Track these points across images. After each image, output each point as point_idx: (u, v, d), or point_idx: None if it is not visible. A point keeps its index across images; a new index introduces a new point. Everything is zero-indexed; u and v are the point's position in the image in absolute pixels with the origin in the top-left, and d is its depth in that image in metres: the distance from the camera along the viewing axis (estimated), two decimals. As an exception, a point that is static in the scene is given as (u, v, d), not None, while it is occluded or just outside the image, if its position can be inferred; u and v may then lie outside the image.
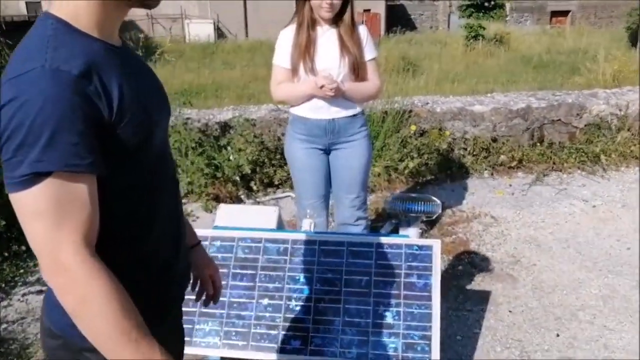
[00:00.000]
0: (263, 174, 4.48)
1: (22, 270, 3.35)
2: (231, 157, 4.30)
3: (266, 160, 4.48)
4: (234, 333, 2.21)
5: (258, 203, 4.35)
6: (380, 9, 27.58)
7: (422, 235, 3.53)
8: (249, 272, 2.29)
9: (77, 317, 0.93)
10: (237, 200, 4.35)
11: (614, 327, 2.84)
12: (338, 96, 2.61)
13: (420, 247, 2.25)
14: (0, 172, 1.00)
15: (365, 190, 2.95)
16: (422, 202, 2.20)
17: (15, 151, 0.90)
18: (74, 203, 0.91)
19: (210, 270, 1.52)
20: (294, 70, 2.69)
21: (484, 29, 18.51)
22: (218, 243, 2.36)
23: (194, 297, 1.53)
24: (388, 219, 2.60)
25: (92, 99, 0.93)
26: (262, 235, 2.35)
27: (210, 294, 1.52)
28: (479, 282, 3.26)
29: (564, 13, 31.45)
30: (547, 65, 14.77)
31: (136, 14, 19.90)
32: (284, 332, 2.17)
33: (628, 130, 4.99)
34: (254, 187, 4.43)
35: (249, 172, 4.34)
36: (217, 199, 4.34)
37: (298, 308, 2.21)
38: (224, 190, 4.34)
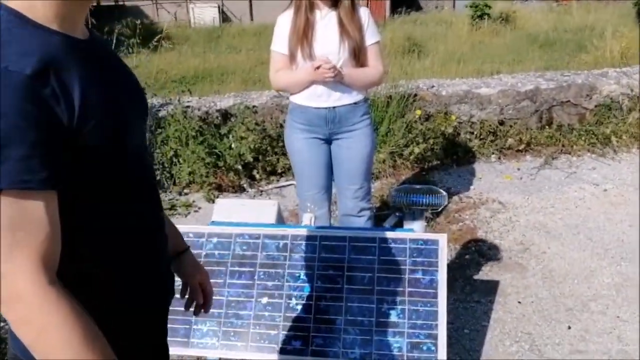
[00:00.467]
0: (266, 162, 4.39)
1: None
2: (233, 146, 4.21)
3: (269, 148, 4.38)
4: (232, 333, 2.13)
5: (261, 192, 4.26)
6: (385, -12, 27.15)
7: (428, 226, 3.44)
8: (248, 269, 2.21)
9: (35, 350, 0.84)
10: (240, 189, 4.27)
11: (627, 317, 2.75)
12: (337, 79, 2.50)
13: (426, 242, 2.16)
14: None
15: (369, 180, 2.86)
16: (427, 194, 2.10)
17: None
18: (29, 224, 0.81)
19: (200, 277, 1.43)
20: (292, 57, 2.59)
21: (490, 7, 18.22)
22: (215, 240, 2.27)
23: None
24: (392, 212, 2.51)
25: (48, 102, 0.82)
26: (260, 231, 2.26)
27: (200, 303, 1.43)
28: (487, 272, 3.17)
29: (572, -11, 30.92)
30: (553, 43, 14.51)
31: (141, -2, 19.80)
32: (284, 332, 2.10)
33: (640, 110, 4.85)
34: (257, 176, 4.34)
35: (251, 160, 4.25)
36: (220, 189, 4.26)
37: (298, 307, 2.13)
38: (226, 179, 4.25)
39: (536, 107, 4.73)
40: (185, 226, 2.31)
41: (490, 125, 4.65)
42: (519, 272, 3.15)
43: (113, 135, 0.93)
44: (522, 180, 4.32)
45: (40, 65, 0.82)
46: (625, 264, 3.19)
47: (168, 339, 2.22)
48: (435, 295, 2.08)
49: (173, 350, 2.17)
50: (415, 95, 4.58)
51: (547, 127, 4.75)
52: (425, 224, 2.21)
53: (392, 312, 2.08)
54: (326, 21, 2.57)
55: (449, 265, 3.22)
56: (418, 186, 2.17)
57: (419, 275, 2.12)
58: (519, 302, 2.90)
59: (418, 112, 4.44)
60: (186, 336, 2.15)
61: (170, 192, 4.22)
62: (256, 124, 4.31)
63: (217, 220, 2.37)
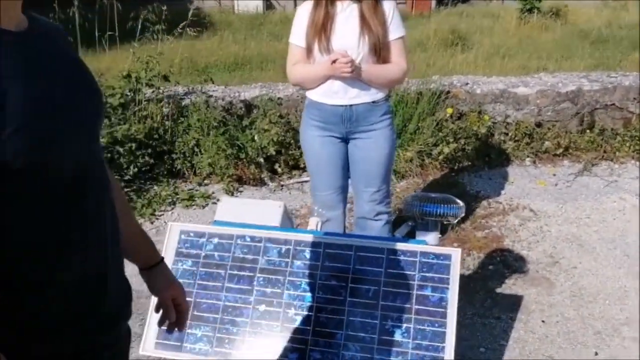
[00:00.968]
0: (288, 155, 4.27)
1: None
2: (255, 138, 4.10)
3: (292, 141, 4.25)
4: (227, 340, 2.02)
5: (282, 186, 4.15)
6: (432, -20, 26.57)
7: (453, 231, 3.26)
8: (247, 274, 2.09)
9: None
10: (261, 182, 4.16)
11: (661, 346, 2.53)
12: (355, 75, 2.35)
13: (437, 256, 2.00)
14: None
15: (388, 183, 2.70)
16: (442, 204, 1.94)
17: None
18: None
19: (173, 292, 1.31)
20: (309, 50, 2.45)
21: (540, 1, 17.59)
22: (216, 240, 2.16)
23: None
24: (404, 221, 2.37)
25: None
26: (262, 234, 2.14)
27: (173, 321, 1.32)
28: (511, 285, 2.98)
29: (629, -16, 29.64)
30: (606, 40, 13.89)
31: (187, -16, 19.93)
32: (280, 343, 1.97)
33: (692, 117, 4.52)
34: (279, 170, 4.23)
35: (274, 153, 4.14)
36: (240, 181, 4.17)
37: (297, 317, 2.01)
38: (247, 172, 4.15)
39: (577, 109, 4.45)
40: (187, 225, 2.21)
41: (526, 127, 4.41)
42: (546, 288, 2.95)
43: (39, 146, 0.80)
44: (557, 187, 4.08)
45: None
46: (664, 285, 2.95)
47: (161, 341, 2.13)
48: (444, 315, 1.93)
49: (166, 354, 2.09)
50: (448, 92, 4.37)
51: (588, 131, 4.47)
52: (440, 235, 2.05)
53: (397, 330, 1.93)
54: (347, 14, 2.42)
55: (470, 276, 3.05)
56: (433, 195, 2.00)
57: (427, 292, 1.96)
58: (543, 321, 2.70)
59: (449, 110, 4.23)
60: (180, 340, 2.05)
61: (190, 182, 4.15)
62: (280, 116, 4.19)
63: (219, 220, 2.26)
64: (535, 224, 3.58)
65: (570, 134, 4.45)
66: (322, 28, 2.39)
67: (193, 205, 3.83)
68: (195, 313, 2.08)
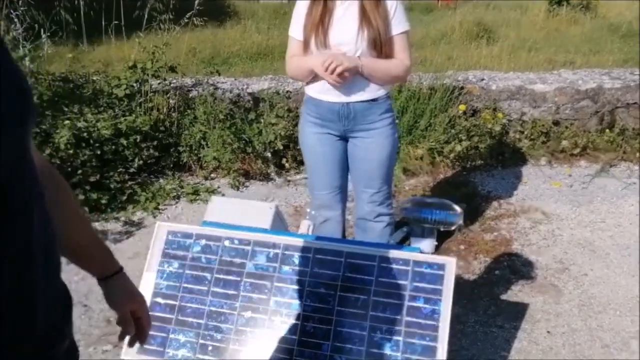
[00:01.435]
0: (296, 150, 4.18)
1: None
2: (263, 132, 4.02)
3: (300, 136, 4.17)
4: (210, 347, 1.96)
5: (289, 182, 4.07)
6: (458, -30, 26.08)
7: (460, 233, 3.14)
8: (233, 278, 2.02)
9: None
10: (267, 177, 4.09)
11: (672, 363, 2.39)
12: (345, 82, 2.25)
13: (431, 265, 1.90)
14: None
15: (389, 183, 2.60)
16: (439, 211, 1.83)
17: None
18: None
19: (133, 304, 1.24)
20: (306, 44, 2.35)
21: (569, -7, 17.12)
22: (203, 242, 2.09)
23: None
24: (400, 226, 2.26)
25: None
26: (251, 236, 2.06)
27: (132, 334, 1.25)
28: (517, 292, 2.86)
29: (664, -25, 28.74)
30: (637, 34, 13.48)
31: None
32: (265, 353, 1.90)
33: None
34: (286, 165, 4.15)
35: (281, 148, 4.06)
36: (247, 176, 4.10)
37: (283, 326, 1.93)
38: (254, 166, 4.08)
39: (597, 107, 4.28)
40: (174, 225, 2.15)
41: (543, 125, 4.26)
42: (553, 296, 2.82)
43: None
44: (573, 188, 3.93)
45: None
46: (680, 297, 2.80)
47: (144, 345, 2.07)
48: (435, 329, 1.83)
49: None
50: (462, 88, 4.24)
51: (607, 130, 4.30)
52: (435, 243, 1.95)
53: (386, 343, 1.84)
54: (346, 7, 2.31)
55: (474, 281, 2.94)
56: (430, 199, 1.90)
57: (419, 304, 1.87)
58: (548, 332, 2.59)
59: (461, 107, 4.10)
60: (162, 345, 2.00)
61: (197, 176, 4.09)
62: (288, 110, 4.11)
63: (208, 221, 2.19)
64: (546, 227, 3.45)
65: (589, 133, 4.29)
66: (319, 21, 2.29)
67: (197, 200, 3.78)
68: (180, 317, 2.02)
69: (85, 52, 4.50)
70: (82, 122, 3.61)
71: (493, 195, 3.84)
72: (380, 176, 2.51)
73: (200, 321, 2.00)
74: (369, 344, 1.85)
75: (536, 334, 2.58)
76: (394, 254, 1.94)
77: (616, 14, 18.03)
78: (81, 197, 3.48)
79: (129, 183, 3.73)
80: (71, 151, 3.52)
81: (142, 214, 3.60)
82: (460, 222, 1.84)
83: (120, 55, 4.55)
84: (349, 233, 3.02)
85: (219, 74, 4.30)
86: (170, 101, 4.06)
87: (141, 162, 3.83)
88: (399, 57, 2.36)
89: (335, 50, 2.28)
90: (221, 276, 2.04)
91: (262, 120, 4.05)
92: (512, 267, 3.06)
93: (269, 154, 4.05)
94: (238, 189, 3.94)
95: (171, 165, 4.04)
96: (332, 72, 2.22)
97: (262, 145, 4.00)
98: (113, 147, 3.71)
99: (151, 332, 2.03)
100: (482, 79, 4.37)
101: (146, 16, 3.99)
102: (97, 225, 3.44)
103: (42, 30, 3.81)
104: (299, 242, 2.03)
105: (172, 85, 4.15)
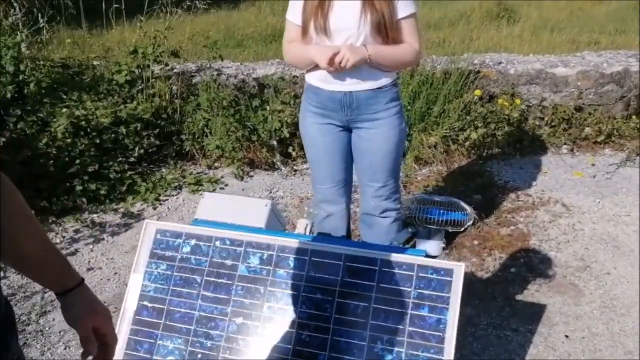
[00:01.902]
0: (304, 138, 4.01)
1: (28, 237, 3.13)
2: (268, 119, 3.86)
3: (308, 123, 3.99)
4: (199, 355, 1.82)
5: (295, 171, 3.92)
6: (479, -53, 25.45)
7: (474, 227, 2.96)
8: (224, 281, 1.88)
9: None
10: (273, 167, 3.94)
11: (702, 373, 2.21)
12: (347, 69, 2.08)
13: (437, 271, 1.73)
14: None
15: (396, 177, 2.43)
16: (447, 210, 1.66)
17: None
18: None
19: (95, 321, 1.10)
20: (304, 29, 2.18)
21: (594, -30, 16.56)
22: (193, 242, 1.95)
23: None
24: (404, 227, 2.10)
25: None
26: (244, 237, 1.91)
27: (94, 354, 1.11)
28: (533, 292, 2.68)
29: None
30: (665, 12, 12.98)
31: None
32: (256, 363, 1.76)
33: None
34: (293, 153, 3.99)
35: (288, 136, 3.90)
36: (252, 165, 3.95)
37: (277, 334, 1.79)
38: (259, 155, 3.93)
39: (623, 92, 4.04)
40: (163, 223, 2.00)
41: (564, 111, 4.03)
42: (573, 297, 2.64)
43: None
44: (596, 178, 3.71)
45: None
46: None
47: (130, 351, 1.95)
48: (441, 340, 1.67)
49: (135, 366, 1.91)
50: (478, 72, 4.02)
51: (634, 116, 4.06)
52: (443, 245, 1.78)
53: (387, 355, 1.69)
54: (348, -12, 2.12)
55: (488, 280, 2.77)
56: (437, 198, 1.73)
57: (424, 312, 1.71)
58: (567, 336, 2.41)
59: (477, 92, 3.89)
60: (149, 352, 1.87)
61: (200, 165, 3.95)
62: (295, 96, 3.93)
63: (200, 219, 2.05)
64: (567, 220, 3.25)
65: (614, 119, 4.05)
66: (318, 5, 2.11)
67: (200, 190, 3.64)
68: (168, 323, 1.89)
69: (84, 37, 4.37)
70: (81, 110, 3.48)
71: (510, 186, 3.64)
72: (385, 169, 2.34)
73: (189, 327, 1.87)
74: (369, 355, 1.70)
75: (553, 339, 2.40)
76: (396, 257, 1.78)
77: (643, -8, 17.37)
78: (79, 187, 3.37)
79: (129, 173, 3.60)
80: (69, 140, 3.40)
81: (142, 205, 3.47)
82: (470, 222, 1.68)
83: (121, 40, 4.41)
84: (355, 228, 2.86)
85: (222, 59, 4.14)
86: (173, 87, 3.91)
87: (142, 151, 3.70)
88: (407, 42, 2.18)
89: (336, 36, 2.10)
90: (212, 279, 1.90)
91: (267, 107, 3.89)
92: (529, 264, 2.88)
93: (274, 142, 3.89)
94: (242, 179, 3.79)
95: (173, 154, 3.90)
96: (336, 65, 2.06)
97: (268, 133, 3.85)
98: (113, 135, 3.58)
99: (138, 338, 1.93)
100: (500, 63, 4.15)
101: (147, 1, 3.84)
102: (95, 217, 3.33)
103: (39, 15, 3.67)
104: (295, 243, 1.87)
105: (174, 70, 4.00)
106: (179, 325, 1.88)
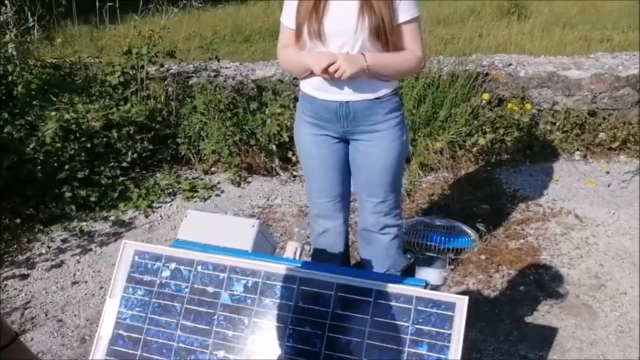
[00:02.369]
0: (304, 142, 3.85)
1: (13, 247, 3.00)
2: (267, 123, 3.70)
3: (308, 126, 3.83)
4: (177, 392, 1.67)
5: (294, 177, 3.76)
6: (490, -59, 25.09)
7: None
8: (206, 310, 1.72)
9: None
10: (272, 172, 3.78)
11: None
12: (348, 80, 1.92)
13: (437, 304, 1.57)
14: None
15: (397, 192, 2.26)
16: (449, 236, 1.50)
17: None
18: None
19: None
20: (298, 33, 2.01)
21: (608, -36, 16.24)
22: (173, 265, 1.80)
23: None
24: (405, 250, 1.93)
25: None
26: (227, 261, 1.76)
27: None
28: (544, 314, 2.52)
29: None
30: (681, 9, 12.67)
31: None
32: (238, 402, 1.61)
33: None
34: (292, 158, 3.83)
35: (287, 140, 3.74)
36: (250, 170, 3.80)
37: (261, 370, 1.63)
38: (257, 160, 3.77)
39: (640, 96, 3.84)
40: (142, 245, 1.85)
41: (577, 116, 3.84)
42: (587, 319, 2.47)
43: None
44: (610, 187, 3.53)
45: None
46: None
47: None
48: (441, 383, 1.51)
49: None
50: (487, 74, 3.84)
51: (651, 122, 3.87)
52: (446, 273, 1.62)
53: (380, 398, 1.53)
54: (345, -10, 1.96)
55: (495, 299, 2.60)
56: (439, 222, 1.57)
57: (422, 351, 1.55)
58: (579, 364, 2.25)
59: (485, 96, 3.70)
60: (125, 386, 1.72)
61: (196, 170, 3.80)
62: (295, 98, 3.76)
63: (182, 239, 1.90)
64: (580, 233, 3.07)
65: (630, 125, 3.86)
66: (313, 8, 1.94)
67: (194, 197, 3.49)
68: (144, 354, 1.74)
69: (76, 37, 4.22)
70: (72, 113, 3.34)
71: (520, 194, 3.46)
72: (385, 184, 2.18)
73: (167, 359, 1.72)
74: (361, 398, 1.54)
75: (565, 367, 2.24)
76: (393, 288, 1.61)
77: (658, -13, 17.01)
78: (68, 194, 3.23)
79: (121, 179, 3.46)
80: (58, 144, 3.26)
81: (134, 212, 3.33)
82: (475, 248, 1.53)
83: (115, 40, 4.26)
84: (355, 241, 2.71)
85: (218, 60, 3.97)
86: (169, 89, 3.76)
87: (135, 155, 3.55)
88: (409, 48, 2.01)
89: (331, 41, 1.94)
90: (192, 307, 1.74)
91: (266, 110, 3.73)
92: (540, 282, 2.71)
93: (273, 147, 3.73)
94: (239, 185, 3.64)
95: (168, 159, 3.75)
96: (332, 76, 1.90)
97: (266, 137, 3.69)
98: (104, 139, 3.43)
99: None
100: (510, 64, 3.96)
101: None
102: (83, 226, 3.19)
103: (29, 14, 3.53)
104: (283, 269, 1.71)
105: (170, 71, 3.85)
106: (156, 357, 1.73)
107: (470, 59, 3.93)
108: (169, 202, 3.46)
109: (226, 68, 4.08)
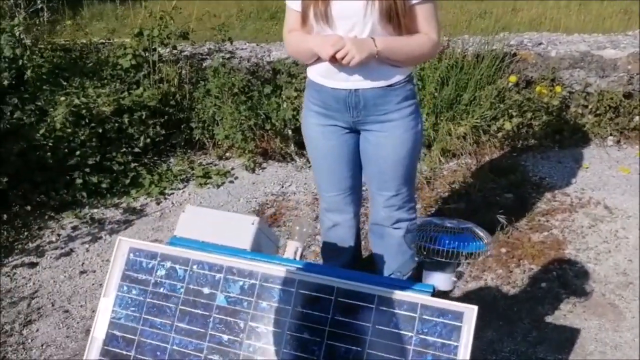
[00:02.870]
0: (322, 126, 3.73)
1: (24, 235, 2.98)
2: (283, 106, 3.59)
3: (325, 110, 3.70)
4: (170, 397, 1.60)
5: (310, 163, 3.63)
6: None
7: (492, 242, 2.65)
8: (201, 312, 1.64)
9: None
10: (287, 158, 3.67)
11: None
12: (356, 66, 1.79)
13: (443, 313, 1.45)
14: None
15: (411, 185, 2.14)
16: (459, 238, 1.37)
17: None
18: None
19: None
20: (304, 15, 1.88)
21: None
22: (168, 264, 1.72)
23: None
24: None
25: None
26: (224, 261, 1.67)
27: None
28: (566, 313, 2.37)
29: None
30: None
31: None
32: (231, 411, 1.53)
33: None
34: (309, 143, 3.70)
35: (303, 124, 3.61)
36: (265, 155, 3.70)
37: (256, 378, 1.55)
38: (273, 145, 3.67)
39: (680, 77, 3.60)
40: (137, 242, 1.77)
41: (611, 98, 3.61)
42: (612, 320, 2.32)
43: None
44: (644, 176, 3.33)
45: None
46: None
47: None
48: (446, 399, 1.40)
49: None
50: (514, 54, 3.64)
51: (691, 105, 3.63)
52: (455, 279, 1.50)
53: (380, 412, 1.43)
54: (353, -32, 1.81)
55: (514, 296, 2.47)
56: (449, 223, 1.44)
57: (427, 363, 1.44)
58: (603, 370, 2.11)
59: (512, 78, 3.51)
60: (117, 388, 1.66)
61: (210, 155, 3.72)
62: (312, 81, 3.63)
63: (179, 236, 1.81)
64: (609, 226, 2.90)
65: (668, 108, 3.62)
66: (319, -12, 1.81)
67: (207, 183, 3.41)
68: (138, 356, 1.67)
69: (86, 19, 4.14)
70: (82, 97, 3.28)
71: (546, 183, 3.29)
72: (398, 177, 2.06)
73: (160, 363, 1.65)
74: (360, 411, 1.44)
75: (588, 372, 2.10)
76: (397, 294, 1.50)
77: None
78: (79, 180, 3.18)
79: (133, 165, 3.39)
80: (69, 130, 3.21)
81: (146, 199, 3.27)
82: (488, 252, 1.41)
83: (126, 22, 4.17)
84: (366, 234, 2.59)
85: (231, 42, 3.85)
86: (182, 72, 3.66)
87: (148, 140, 3.48)
88: (423, 32, 1.86)
89: (339, 24, 1.80)
90: (187, 308, 1.66)
91: (281, 94, 3.61)
92: (563, 278, 2.56)
93: (289, 132, 3.62)
94: (253, 171, 3.55)
95: (182, 144, 3.68)
96: (340, 62, 1.77)
97: (282, 122, 3.57)
98: (116, 124, 3.37)
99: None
100: (540, 44, 3.75)
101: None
102: (94, 213, 3.14)
103: (38, -5, 3.47)
104: (281, 271, 1.62)
105: (183, 53, 3.75)
106: (150, 359, 1.66)
107: (497, 38, 3.73)
108: (182, 188, 3.39)
109: (242, 49, 3.96)
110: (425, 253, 1.51)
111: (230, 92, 3.54)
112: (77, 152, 3.19)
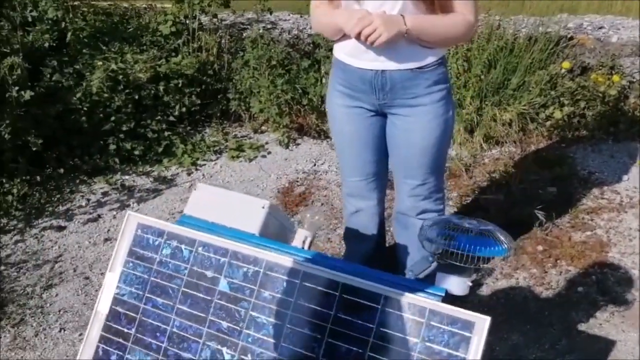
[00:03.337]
0: (360, 104, 3.60)
1: (55, 197, 3.01)
2: (320, 82, 3.48)
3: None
4: (167, 380, 1.57)
5: (347, 141, 3.52)
6: None
7: (523, 239, 2.48)
8: (203, 296, 1.59)
9: None
10: (323, 134, 3.57)
11: None
12: (383, 45, 1.66)
13: (453, 322, 1.34)
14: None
15: (439, 175, 2.02)
16: (479, 241, 1.25)
17: None
18: None
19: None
20: (334, -10, 1.76)
21: None
22: (174, 243, 1.66)
23: None
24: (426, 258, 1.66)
25: None
26: (230, 245, 1.60)
27: None
28: (602, 322, 2.21)
29: None
30: None
31: None
32: (225, 402, 1.48)
33: None
34: (346, 121, 3.59)
35: (341, 101, 3.49)
36: (301, 131, 3.61)
37: (252, 370, 1.49)
38: (309, 121, 3.57)
39: None
40: (147, 218, 1.72)
41: (676, 90, 3.34)
42: (652, 334, 2.15)
43: None
44: None
45: None
46: None
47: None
48: (449, 413, 1.30)
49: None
50: (571, 38, 3.39)
51: None
52: (470, 283, 1.38)
53: (379, 420, 1.35)
54: (385, -61, 1.67)
55: (547, 299, 2.32)
56: (469, 224, 1.31)
57: (431, 373, 1.34)
58: (635, 388, 1.95)
59: (565, 65, 3.27)
60: (116, 366, 1.64)
61: (245, 127, 3.66)
62: (353, 56, 3.49)
63: (189, 215, 1.75)
64: (660, 230, 2.68)
65: None
66: (347, -42, 1.68)
67: (240, 157, 3.36)
68: (138, 335, 1.64)
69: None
70: (119, 63, 3.26)
71: (595, 178, 3.07)
72: (424, 165, 1.93)
73: (160, 344, 1.61)
74: (356, 416, 1.36)
75: (618, 389, 1.95)
76: (405, 297, 1.40)
77: None
78: (113, 146, 3.19)
79: (167, 133, 3.37)
80: (106, 95, 3.20)
81: (177, 169, 3.25)
82: (509, 257, 1.29)
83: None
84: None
85: (271, 13, 3.74)
86: (222, 41, 3.59)
87: (183, 109, 3.44)
88: (458, 11, 1.71)
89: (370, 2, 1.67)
90: (189, 291, 1.61)
91: (323, 69, 3.49)
92: (603, 283, 2.38)
93: (326, 108, 3.50)
94: (287, 147, 3.47)
95: (218, 114, 3.63)
96: (366, 39, 1.64)
97: (319, 98, 3.47)
98: (152, 92, 3.34)
99: (107, 347, 1.70)
100: (601, 27, 3.48)
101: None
102: (125, 180, 3.14)
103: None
104: (287, 260, 1.53)
105: (224, 22, 3.68)
106: (149, 340, 1.62)
107: (554, 20, 3.48)
108: (214, 160, 3.35)
109: (284, 20, 3.86)
110: (439, 254, 1.40)
111: (268, 64, 3.45)
112: (112, 118, 3.19)
